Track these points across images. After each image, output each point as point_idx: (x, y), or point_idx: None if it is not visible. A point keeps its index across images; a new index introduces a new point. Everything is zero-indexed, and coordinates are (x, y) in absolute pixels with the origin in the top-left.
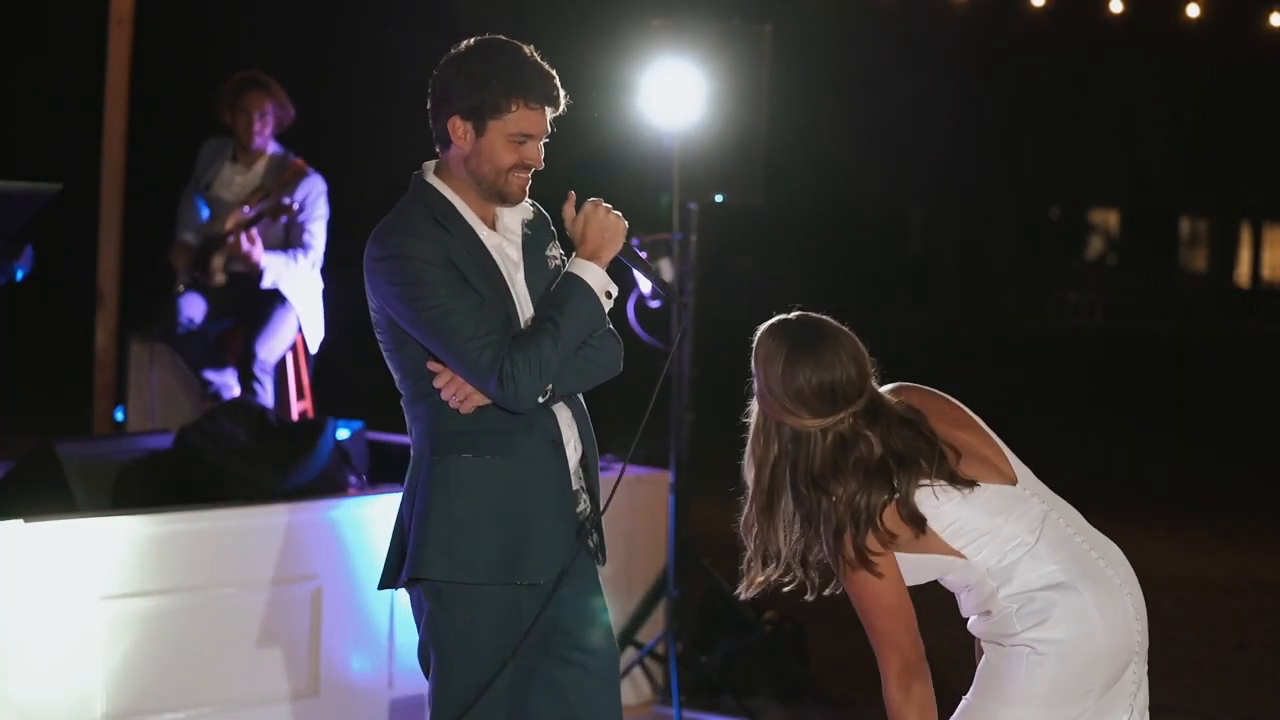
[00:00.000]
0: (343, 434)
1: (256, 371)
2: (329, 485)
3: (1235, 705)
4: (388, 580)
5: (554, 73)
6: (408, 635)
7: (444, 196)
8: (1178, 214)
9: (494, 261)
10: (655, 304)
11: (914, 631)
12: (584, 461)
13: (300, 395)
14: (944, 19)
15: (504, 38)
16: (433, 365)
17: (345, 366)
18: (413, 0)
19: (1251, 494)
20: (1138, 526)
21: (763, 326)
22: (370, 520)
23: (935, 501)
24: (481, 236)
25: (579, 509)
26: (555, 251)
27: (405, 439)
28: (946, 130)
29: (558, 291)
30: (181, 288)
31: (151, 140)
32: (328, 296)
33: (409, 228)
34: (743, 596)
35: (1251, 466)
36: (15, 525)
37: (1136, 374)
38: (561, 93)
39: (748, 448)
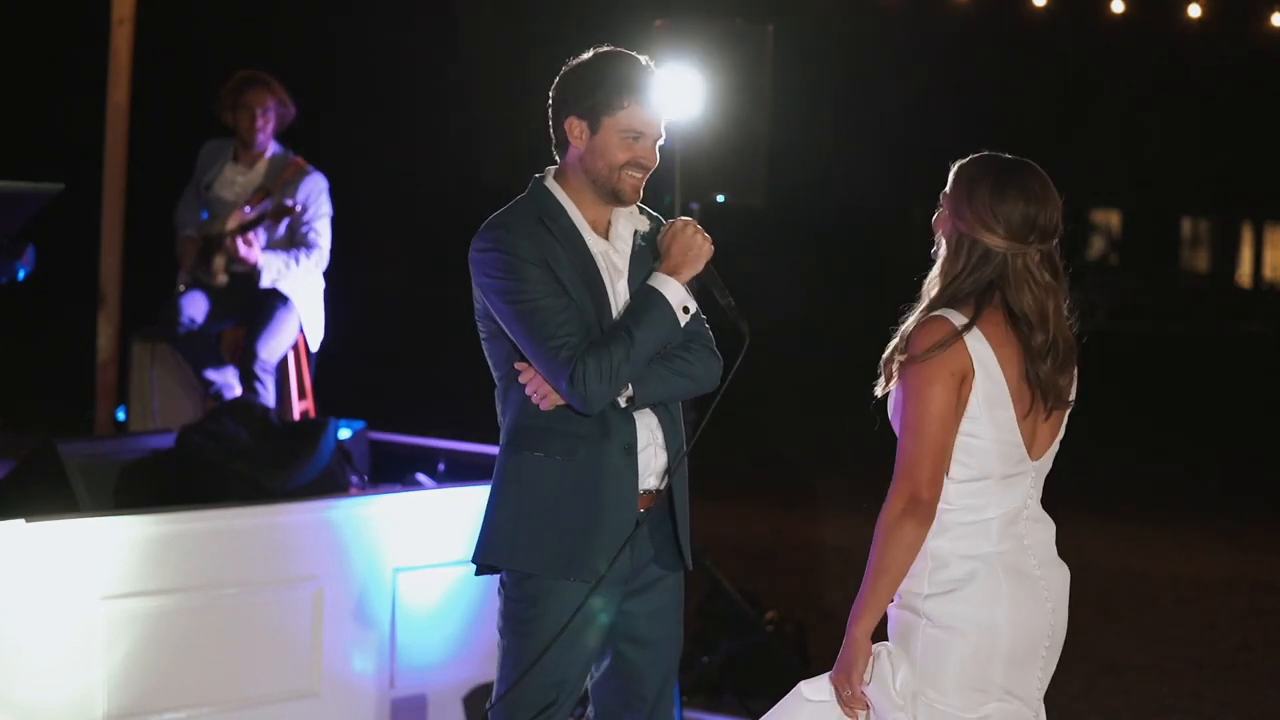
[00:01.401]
0: (344, 434)
1: (258, 371)
2: (331, 485)
3: (1236, 705)
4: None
5: (666, 80)
6: (409, 635)
7: (556, 199)
8: (1179, 214)
9: (595, 266)
10: None
11: (937, 474)
12: (668, 468)
13: (302, 395)
14: (944, 19)
15: (620, 49)
16: (519, 364)
17: (347, 366)
18: (413, 0)
19: (1252, 494)
20: (1139, 527)
21: (963, 159)
22: (371, 520)
23: (993, 410)
24: (587, 241)
25: (655, 512)
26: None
27: (406, 439)
28: (947, 130)
29: (636, 303)
30: (182, 287)
31: (153, 140)
32: (330, 296)
33: (512, 225)
34: (879, 392)
35: (1253, 467)
36: (17, 525)
37: (1138, 374)
38: (668, 98)
39: (937, 266)
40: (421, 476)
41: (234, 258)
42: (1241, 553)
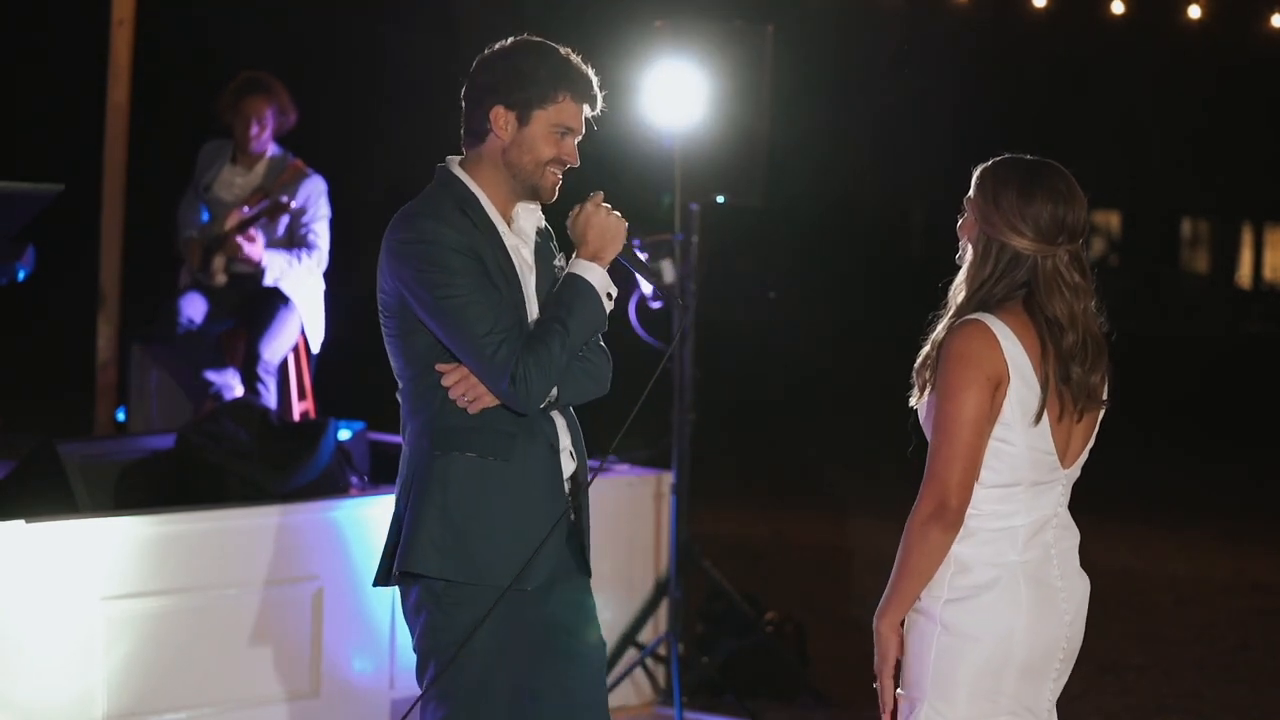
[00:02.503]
0: (344, 434)
1: (260, 372)
2: (330, 486)
3: (1236, 706)
4: (382, 577)
5: (593, 74)
6: (408, 636)
7: (468, 189)
8: (1179, 215)
9: (510, 260)
10: (656, 305)
11: (968, 479)
12: (574, 474)
13: (302, 396)
14: (944, 20)
15: (546, 40)
16: (441, 366)
17: (347, 367)
18: (414, 0)
19: (1252, 494)
20: (1138, 527)
21: (986, 163)
22: (371, 521)
23: (1027, 416)
24: (501, 233)
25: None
26: (560, 261)
27: None
28: (947, 130)
29: (562, 293)
30: (182, 288)
31: (153, 141)
32: (329, 296)
33: (437, 213)
34: (913, 404)
35: (1252, 467)
36: (17, 525)
37: (1137, 374)
38: (599, 94)
39: (963, 271)
40: None
41: (237, 256)
42: (1241, 553)
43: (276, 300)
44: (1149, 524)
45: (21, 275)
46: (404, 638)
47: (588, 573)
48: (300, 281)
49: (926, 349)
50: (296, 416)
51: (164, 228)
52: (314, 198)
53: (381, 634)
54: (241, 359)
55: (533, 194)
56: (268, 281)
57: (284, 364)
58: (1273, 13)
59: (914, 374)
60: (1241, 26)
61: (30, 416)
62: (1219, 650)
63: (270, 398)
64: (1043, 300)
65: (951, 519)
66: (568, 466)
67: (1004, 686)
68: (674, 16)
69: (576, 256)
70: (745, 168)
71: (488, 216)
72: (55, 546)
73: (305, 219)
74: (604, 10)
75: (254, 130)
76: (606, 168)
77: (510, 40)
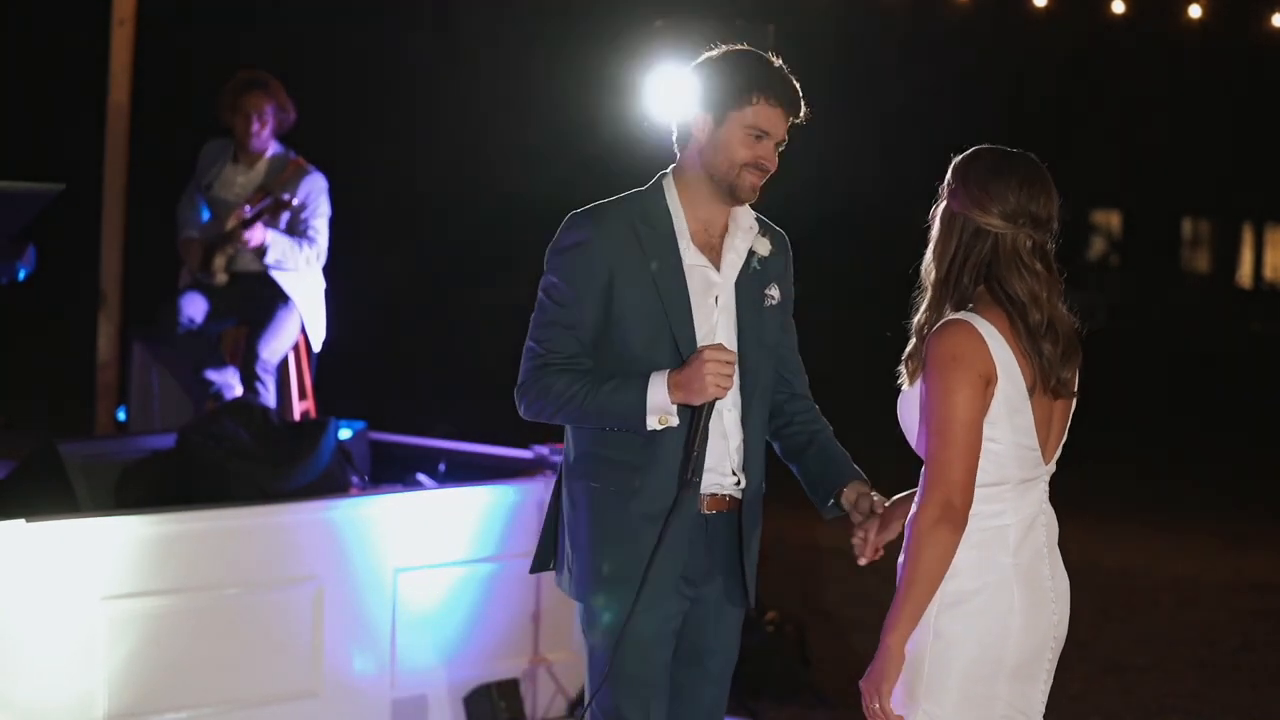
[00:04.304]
0: (345, 434)
1: (258, 371)
2: (331, 485)
3: (1237, 706)
4: (540, 565)
5: (797, 83)
6: (409, 635)
7: (665, 205)
8: (1180, 215)
9: (681, 279)
10: None
11: (969, 478)
12: (739, 484)
13: (303, 395)
14: (945, 19)
15: (753, 49)
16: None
17: (348, 366)
18: (415, 1)
19: (1252, 495)
20: (1139, 527)
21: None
22: (372, 521)
23: (1013, 415)
24: (681, 249)
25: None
26: (775, 291)
27: (406, 439)
28: (947, 130)
29: (628, 379)
30: (182, 287)
31: (153, 140)
32: (330, 295)
33: (602, 219)
34: (905, 388)
35: (1253, 467)
36: (17, 525)
37: (1138, 375)
38: (803, 102)
39: (930, 248)
40: (422, 477)
41: (240, 246)
42: (1242, 553)
43: (276, 300)
44: (1149, 524)
45: (22, 275)
46: (404, 637)
47: (748, 603)
48: (300, 278)
49: (914, 340)
50: (297, 416)
51: (164, 228)
52: (314, 194)
53: (382, 634)
54: (241, 358)
55: (730, 196)
56: (269, 260)
57: (284, 363)
58: (1273, 13)
59: (903, 363)
60: (1241, 26)
61: (31, 416)
62: (1219, 650)
63: (269, 397)
64: (1001, 276)
65: (958, 519)
66: (724, 484)
67: (998, 690)
68: (674, 16)
69: (672, 370)
70: None
71: (671, 234)
72: (56, 546)
73: (305, 215)
74: (604, 10)
75: (254, 127)
76: (608, 167)
77: (721, 48)
